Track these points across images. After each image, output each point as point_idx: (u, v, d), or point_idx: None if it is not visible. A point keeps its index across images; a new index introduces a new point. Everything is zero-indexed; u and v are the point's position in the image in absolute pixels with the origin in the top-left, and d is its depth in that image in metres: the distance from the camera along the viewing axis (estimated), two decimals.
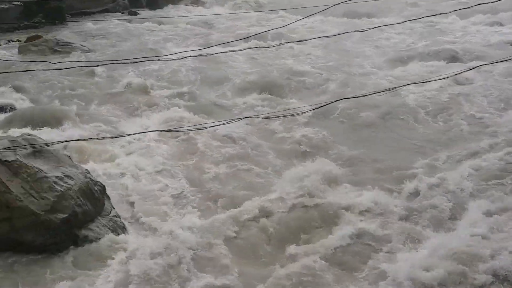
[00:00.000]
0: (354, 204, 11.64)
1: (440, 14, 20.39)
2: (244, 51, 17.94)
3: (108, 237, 11.06)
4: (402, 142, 15.03)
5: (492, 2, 18.76)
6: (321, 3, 16.93)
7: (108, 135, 14.30)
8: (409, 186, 12.41)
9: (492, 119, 15.79)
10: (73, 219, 10.85)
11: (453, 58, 20.88)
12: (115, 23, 29.11)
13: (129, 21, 30.15)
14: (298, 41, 16.84)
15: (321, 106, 12.62)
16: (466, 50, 21.73)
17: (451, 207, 11.49)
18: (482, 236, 10.11)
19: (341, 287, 9.51)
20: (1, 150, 10.90)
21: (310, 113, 15.55)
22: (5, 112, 16.96)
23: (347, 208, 11.58)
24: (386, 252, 10.31)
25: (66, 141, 12.63)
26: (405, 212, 11.45)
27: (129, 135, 13.32)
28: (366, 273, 9.85)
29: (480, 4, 18.52)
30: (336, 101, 12.72)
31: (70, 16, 30.94)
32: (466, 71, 16.42)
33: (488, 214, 10.90)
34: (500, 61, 17.09)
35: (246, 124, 15.75)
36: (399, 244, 10.47)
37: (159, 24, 28.65)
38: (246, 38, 19.06)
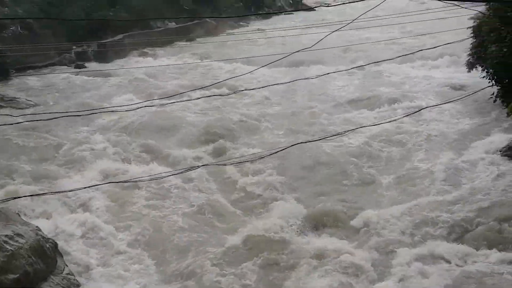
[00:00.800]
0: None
1: (385, 60, 21.09)
2: (197, 100, 18.04)
3: None
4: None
5: (432, 48, 19.73)
6: (269, 54, 17.46)
7: (59, 190, 13.97)
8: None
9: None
10: (24, 279, 10.50)
11: (395, 102, 21.44)
12: (61, 77, 28.83)
13: (76, 74, 29.88)
14: (252, 89, 17.09)
15: (277, 152, 12.78)
16: (408, 94, 22.36)
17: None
18: None
19: None
20: None
21: (266, 159, 15.66)
22: None
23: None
24: None
25: (14, 198, 12.22)
26: None
27: (82, 188, 13.06)
28: None
29: (421, 50, 19.51)
30: (292, 145, 12.90)
31: (14, 71, 30.48)
32: (410, 114, 17.07)
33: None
34: (443, 103, 17.81)
35: (202, 172, 15.73)
36: None
37: (107, 77, 28.49)
38: (198, 89, 19.19)
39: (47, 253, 11.29)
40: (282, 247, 12.33)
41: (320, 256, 11.93)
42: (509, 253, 11.53)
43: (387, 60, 21.50)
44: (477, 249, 11.80)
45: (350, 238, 12.82)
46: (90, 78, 28.42)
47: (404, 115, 17.64)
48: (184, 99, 18.78)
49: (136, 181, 14.43)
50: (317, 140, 14.91)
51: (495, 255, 11.52)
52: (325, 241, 12.54)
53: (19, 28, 32.83)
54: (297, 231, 13.17)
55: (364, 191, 15.08)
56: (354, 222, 13.33)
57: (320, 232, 13.18)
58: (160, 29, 41.08)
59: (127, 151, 17.85)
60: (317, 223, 13.52)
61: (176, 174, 14.02)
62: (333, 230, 13.19)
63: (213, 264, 11.95)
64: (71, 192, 13.68)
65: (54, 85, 27.64)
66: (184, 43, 39.15)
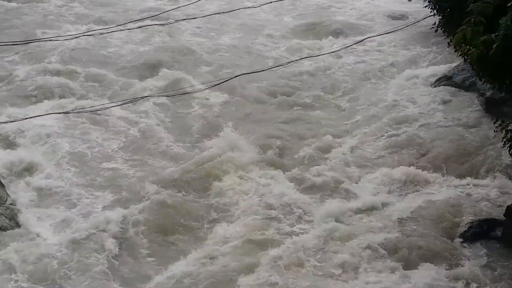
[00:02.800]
0: None
1: None
2: (138, 29, 17.54)
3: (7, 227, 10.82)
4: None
5: None
6: None
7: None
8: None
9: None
10: None
11: (337, 32, 21.40)
12: None
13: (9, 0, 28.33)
14: (193, 18, 16.65)
15: (221, 82, 12.72)
16: (348, 24, 22.35)
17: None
18: None
19: None
20: None
21: (209, 91, 15.56)
22: None
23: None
24: None
25: None
26: None
27: (24, 119, 12.71)
28: None
29: None
30: (235, 77, 12.87)
31: None
32: (352, 44, 17.21)
33: None
34: (385, 33, 17.94)
35: (144, 104, 15.54)
36: None
37: (42, 3, 27.04)
38: (139, 20, 18.58)
39: None
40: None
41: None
42: None
43: None
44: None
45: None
46: (23, 5, 26.93)
47: (343, 46, 17.70)
48: (123, 28, 18.14)
49: (79, 112, 14.11)
50: (259, 71, 14.87)
51: None
52: None
53: None
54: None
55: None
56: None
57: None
58: None
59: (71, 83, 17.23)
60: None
61: (118, 105, 13.82)
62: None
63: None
64: (11, 123, 13.30)
65: None
66: None
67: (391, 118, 14.72)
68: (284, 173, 12.69)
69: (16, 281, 9.79)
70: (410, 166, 12.63)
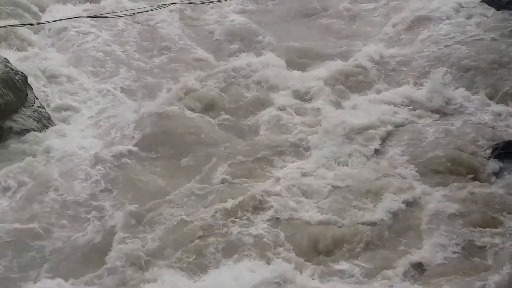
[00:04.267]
0: None
1: None
2: None
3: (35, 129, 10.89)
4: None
5: None
6: None
7: (30, 22, 13.53)
8: None
9: None
10: None
11: None
12: None
13: None
14: None
15: None
16: None
17: None
18: None
19: None
20: None
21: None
22: None
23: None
24: None
25: None
26: None
27: (52, 21, 12.60)
28: None
29: None
30: None
31: None
32: None
33: None
34: None
35: (174, 11, 15.31)
36: None
37: None
38: None
39: (17, 86, 11.18)
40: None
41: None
42: None
43: None
44: None
45: None
46: None
47: None
48: None
49: (107, 17, 13.93)
50: None
51: None
52: None
53: None
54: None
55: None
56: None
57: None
58: None
59: None
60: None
61: (147, 11, 13.61)
62: None
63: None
64: (43, 24, 13.24)
65: None
66: None
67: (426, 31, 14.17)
68: None
69: None
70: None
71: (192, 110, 11.49)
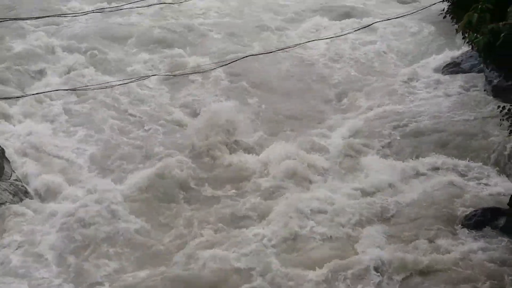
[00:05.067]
0: None
1: None
2: (149, 7, 17.48)
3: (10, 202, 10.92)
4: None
5: None
6: None
7: (8, 96, 13.66)
8: None
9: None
10: None
11: (348, 15, 21.29)
12: None
13: None
14: None
15: (229, 63, 12.68)
16: (358, 7, 22.17)
17: None
18: None
19: None
20: None
21: (218, 70, 15.57)
22: None
23: None
24: None
25: None
26: None
27: (31, 94, 12.78)
28: None
29: None
30: (244, 57, 12.81)
31: None
32: (361, 28, 17.02)
33: None
34: (393, 18, 17.76)
35: (153, 81, 15.63)
36: None
37: None
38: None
39: None
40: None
41: None
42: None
43: None
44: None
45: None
46: None
47: (353, 30, 17.52)
48: (131, 6, 18.01)
49: (85, 89, 14.15)
50: (268, 53, 14.86)
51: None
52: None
53: None
54: None
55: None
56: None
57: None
58: None
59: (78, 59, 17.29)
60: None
61: (126, 83, 13.83)
62: None
63: None
64: (19, 98, 13.38)
65: None
66: None
67: (396, 107, 14.64)
68: None
69: None
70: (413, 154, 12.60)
71: None
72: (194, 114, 14.46)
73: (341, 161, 12.61)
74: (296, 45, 15.12)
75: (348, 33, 17.10)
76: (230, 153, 12.73)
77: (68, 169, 12.42)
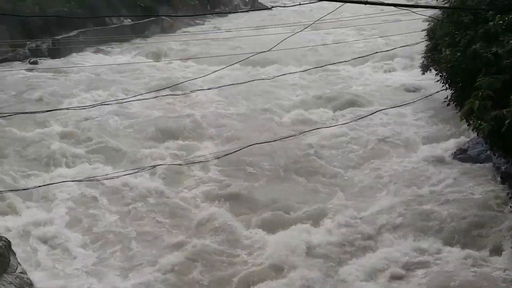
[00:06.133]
0: None
1: (340, 62, 21.35)
2: (154, 99, 17.89)
3: None
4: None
5: (387, 51, 20.02)
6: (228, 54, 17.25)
7: (14, 188, 13.74)
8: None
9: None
10: None
11: (353, 103, 21.69)
12: (15, 73, 28.16)
13: (30, 70, 29.24)
14: (208, 89, 17.03)
15: (233, 152, 12.82)
16: (364, 95, 22.65)
17: None
18: None
19: None
20: None
21: (221, 159, 15.62)
22: None
23: None
24: None
25: None
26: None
27: (35, 187, 12.84)
28: None
29: (376, 52, 19.74)
30: (247, 146, 12.97)
31: None
32: (366, 116, 17.32)
33: None
34: (397, 106, 18.09)
35: (157, 172, 15.65)
36: None
37: (61, 73, 28.01)
38: (158, 90, 19.11)
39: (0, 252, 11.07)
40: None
41: None
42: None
43: (343, 62, 21.84)
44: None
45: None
46: (44, 74, 27.82)
47: (357, 118, 17.85)
48: (140, 98, 18.54)
49: (92, 180, 14.26)
50: (271, 141, 15.01)
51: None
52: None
53: None
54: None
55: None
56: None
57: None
58: (115, 25, 40.58)
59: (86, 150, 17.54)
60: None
61: (128, 174, 13.97)
62: None
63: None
64: (27, 190, 13.45)
65: (8, 81, 26.98)
66: (140, 41, 38.73)
67: (404, 193, 14.55)
68: None
69: None
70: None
71: None
72: None
73: None
74: (298, 133, 15.34)
75: (349, 122, 17.37)
76: None
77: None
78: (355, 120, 17.76)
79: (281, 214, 13.74)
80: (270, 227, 13.18)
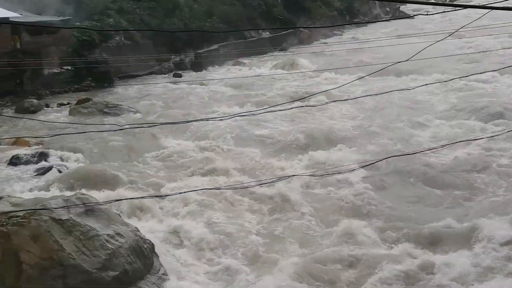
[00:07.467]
0: None
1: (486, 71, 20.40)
2: (289, 110, 18.13)
3: None
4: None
5: None
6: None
7: (157, 194, 14.46)
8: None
9: None
10: (123, 277, 10.96)
11: (500, 115, 20.59)
12: (160, 85, 29.84)
13: (174, 83, 30.85)
14: (345, 100, 16.98)
15: (370, 164, 12.64)
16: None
17: None
18: None
19: None
20: (55, 209, 11.11)
21: (358, 171, 15.47)
22: (59, 172, 17.40)
23: None
24: None
25: (117, 200, 12.86)
26: None
27: (178, 193, 13.46)
28: None
29: None
30: (386, 158, 12.70)
31: (117, 79, 31.89)
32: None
33: None
34: None
35: (291, 182, 15.82)
36: None
37: (202, 85, 29.29)
38: (293, 101, 19.36)
39: (144, 253, 11.70)
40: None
41: None
42: None
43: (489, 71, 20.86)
44: None
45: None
46: (187, 86, 29.25)
47: (502, 131, 16.86)
48: (277, 109, 18.84)
49: (227, 189, 14.68)
50: (411, 154, 14.59)
51: None
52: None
53: (122, 38, 34.36)
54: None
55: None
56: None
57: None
58: (254, 38, 41.72)
59: (222, 160, 18.15)
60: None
61: (265, 183, 14.17)
62: None
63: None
64: (168, 196, 14.09)
65: (154, 93, 28.64)
66: (277, 52, 39.44)
67: None
68: None
69: None
70: None
71: None
72: None
73: None
74: (441, 146, 14.79)
75: (497, 135, 16.43)
76: None
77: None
78: (501, 134, 16.78)
79: None
80: None
